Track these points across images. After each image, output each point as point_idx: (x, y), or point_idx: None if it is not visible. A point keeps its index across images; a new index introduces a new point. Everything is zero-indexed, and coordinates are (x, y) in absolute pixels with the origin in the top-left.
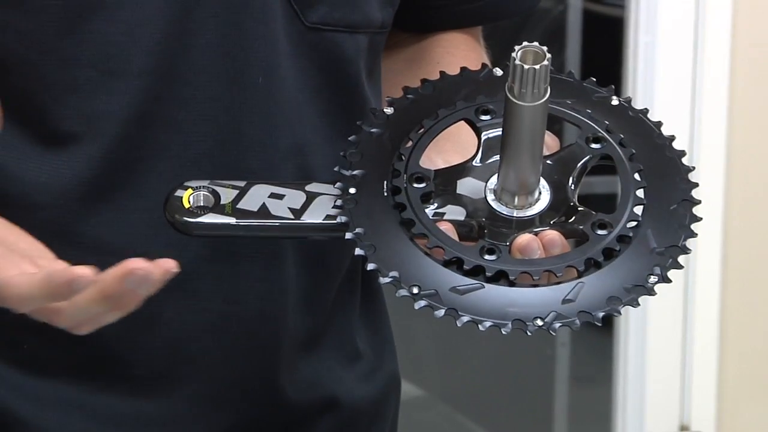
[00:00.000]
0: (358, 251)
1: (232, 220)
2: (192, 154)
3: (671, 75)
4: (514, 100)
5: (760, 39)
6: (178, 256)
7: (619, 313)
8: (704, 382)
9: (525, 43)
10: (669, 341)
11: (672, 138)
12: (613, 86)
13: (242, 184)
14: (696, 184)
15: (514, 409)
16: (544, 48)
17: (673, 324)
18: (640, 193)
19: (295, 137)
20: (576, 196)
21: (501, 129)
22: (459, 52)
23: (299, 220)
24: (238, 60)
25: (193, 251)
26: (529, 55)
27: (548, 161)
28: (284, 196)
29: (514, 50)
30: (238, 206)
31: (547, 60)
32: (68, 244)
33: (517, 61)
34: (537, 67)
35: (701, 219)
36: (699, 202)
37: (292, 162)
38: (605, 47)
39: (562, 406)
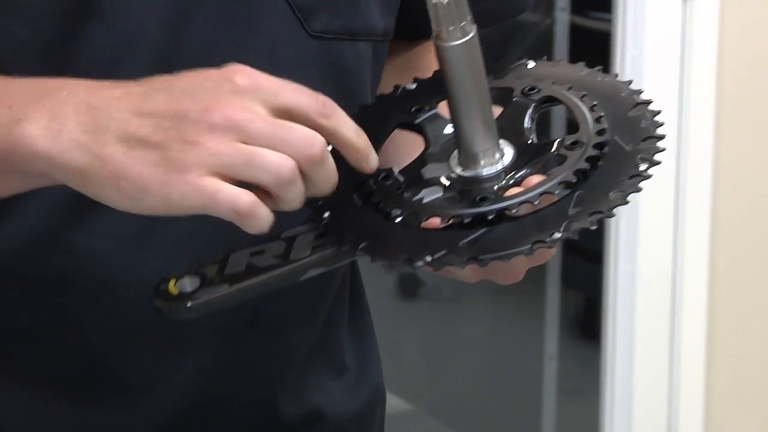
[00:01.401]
0: (359, 255)
1: (225, 288)
2: None
3: (658, 89)
4: (440, 43)
5: (747, 53)
6: (169, 266)
7: (626, 202)
8: (691, 394)
9: None
10: (656, 354)
11: (614, 74)
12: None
13: (219, 257)
14: (641, 90)
15: (502, 422)
16: None
17: (660, 336)
18: (595, 111)
19: None
20: (535, 136)
21: (437, 121)
22: None
23: (289, 262)
24: None
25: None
26: None
27: (498, 123)
28: (264, 250)
29: None
30: (225, 273)
31: None
32: (57, 251)
33: (431, 1)
34: (447, 0)
35: (660, 111)
36: (651, 101)
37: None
38: (592, 61)
39: (549, 419)
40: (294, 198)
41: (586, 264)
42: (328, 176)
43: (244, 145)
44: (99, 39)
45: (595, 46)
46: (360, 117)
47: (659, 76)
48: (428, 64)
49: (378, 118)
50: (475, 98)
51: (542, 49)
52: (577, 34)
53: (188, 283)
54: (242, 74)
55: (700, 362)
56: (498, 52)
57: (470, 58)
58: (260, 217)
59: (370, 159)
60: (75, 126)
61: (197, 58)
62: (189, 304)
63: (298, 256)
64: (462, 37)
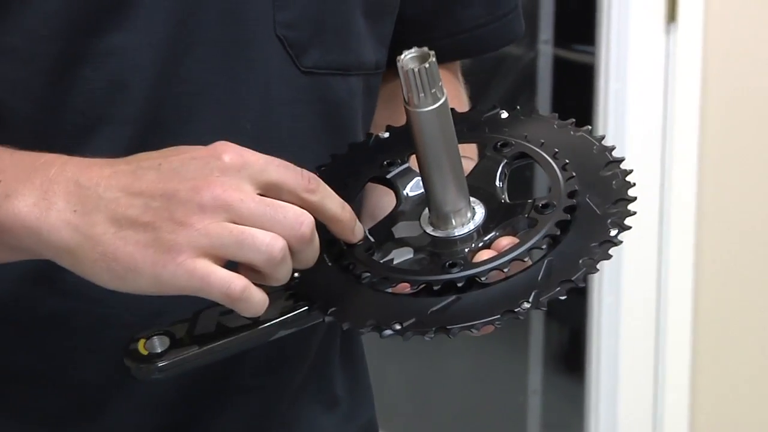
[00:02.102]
0: (327, 319)
1: (195, 349)
2: None
3: (641, 121)
4: (411, 108)
5: (731, 88)
6: (162, 305)
7: (596, 270)
8: (676, 429)
9: (414, 48)
10: (640, 387)
11: (587, 129)
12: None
13: (189, 316)
14: (613, 147)
15: None
16: (428, 51)
17: (644, 370)
18: (567, 170)
19: None
20: (506, 195)
21: (409, 175)
22: None
23: (259, 323)
24: (229, 107)
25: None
26: (413, 59)
27: (469, 180)
28: (234, 311)
29: (399, 56)
30: (195, 334)
31: (431, 60)
32: (50, 291)
33: (402, 65)
34: (420, 68)
35: (632, 171)
36: (622, 159)
37: None
38: (576, 93)
39: None
40: (284, 275)
41: (570, 296)
42: (315, 252)
43: (234, 226)
44: (92, 80)
45: (578, 79)
46: (332, 169)
47: (642, 109)
48: None
49: (350, 170)
50: (447, 161)
51: (526, 82)
52: (560, 67)
53: (158, 344)
54: (230, 152)
55: (684, 396)
56: (482, 84)
57: (441, 122)
58: (253, 300)
59: (355, 231)
60: (64, 205)
61: (191, 96)
62: (159, 365)
63: (268, 317)
64: (433, 103)
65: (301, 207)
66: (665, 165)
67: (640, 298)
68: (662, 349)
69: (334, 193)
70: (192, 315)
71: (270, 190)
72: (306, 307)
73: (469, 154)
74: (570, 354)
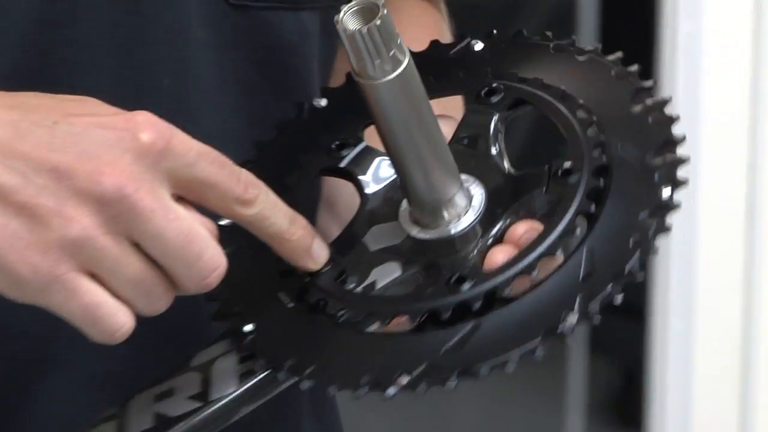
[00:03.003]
0: (306, 384)
1: None
2: None
3: (722, 75)
4: (364, 81)
5: None
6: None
7: (656, 250)
8: None
9: (355, 1)
10: None
11: (595, 48)
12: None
13: (114, 410)
14: (636, 69)
15: None
16: (377, 1)
17: (725, 423)
18: (582, 113)
19: None
20: (508, 162)
21: (369, 157)
22: (410, 20)
23: (212, 403)
24: (135, 57)
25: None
26: (356, 14)
27: (453, 149)
28: (173, 389)
29: (336, 16)
30: None
31: (382, 15)
32: None
33: (343, 27)
34: (369, 27)
35: (669, 100)
36: (653, 84)
37: None
38: (630, 37)
39: None
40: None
41: (622, 322)
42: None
43: (137, 258)
44: None
45: (634, 17)
46: (262, 164)
47: (723, 58)
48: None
49: (287, 164)
50: (422, 140)
51: (562, 21)
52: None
53: None
54: (150, 130)
55: None
56: (501, 24)
57: (407, 91)
58: (123, 335)
59: (313, 253)
60: None
61: (84, 42)
62: None
63: (223, 393)
64: (393, 69)
65: (231, 219)
66: (757, 137)
67: (721, 322)
68: (752, 395)
69: (280, 201)
70: (118, 408)
71: (192, 192)
72: (269, 371)
73: (449, 111)
74: (621, 401)
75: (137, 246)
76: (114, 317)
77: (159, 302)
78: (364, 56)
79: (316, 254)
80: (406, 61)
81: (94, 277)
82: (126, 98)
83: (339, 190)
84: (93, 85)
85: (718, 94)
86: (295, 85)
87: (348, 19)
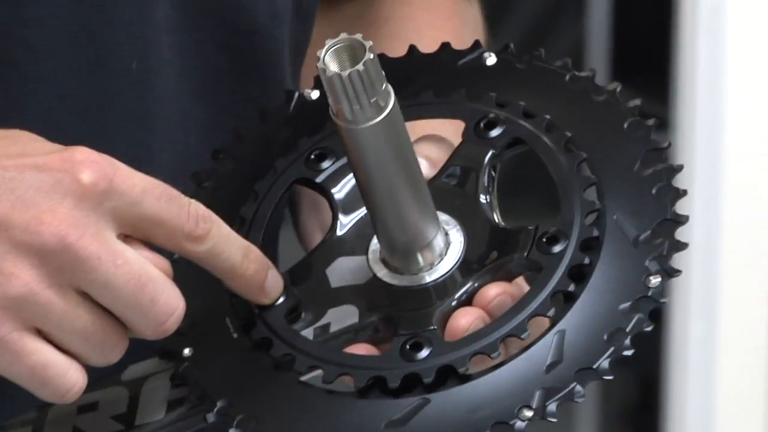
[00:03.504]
0: (231, 430)
1: None
2: None
3: (747, 55)
4: (342, 124)
5: None
6: None
7: (630, 349)
8: None
9: (340, 37)
10: None
11: (613, 90)
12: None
13: (32, 415)
14: (654, 122)
15: None
16: (361, 40)
17: None
18: (583, 170)
19: (183, 148)
20: (497, 213)
21: (348, 176)
22: (420, 2)
23: (134, 428)
24: (99, 38)
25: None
26: (338, 53)
27: (439, 183)
28: (98, 403)
29: (319, 51)
30: None
31: (367, 59)
32: None
33: (323, 66)
34: (351, 72)
35: (681, 167)
36: (668, 146)
37: (175, 183)
38: (645, 14)
39: None
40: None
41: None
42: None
43: (85, 310)
44: None
45: (647, 18)
46: (235, 156)
47: (750, 36)
48: (386, 14)
49: (259, 165)
50: (399, 187)
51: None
52: None
53: None
54: (91, 169)
55: None
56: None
57: (388, 137)
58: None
59: (265, 288)
60: None
61: (44, 23)
62: None
63: (148, 419)
64: (375, 115)
65: (182, 255)
66: None
67: (745, 326)
68: None
69: (234, 234)
70: (35, 414)
71: (139, 230)
72: (200, 408)
73: (446, 131)
74: (637, 412)
75: (86, 295)
76: (64, 377)
77: (112, 352)
78: (343, 101)
79: (270, 289)
80: (389, 108)
81: (41, 333)
82: (91, 84)
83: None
84: (56, 67)
85: (743, 76)
86: (265, 71)
87: (330, 58)
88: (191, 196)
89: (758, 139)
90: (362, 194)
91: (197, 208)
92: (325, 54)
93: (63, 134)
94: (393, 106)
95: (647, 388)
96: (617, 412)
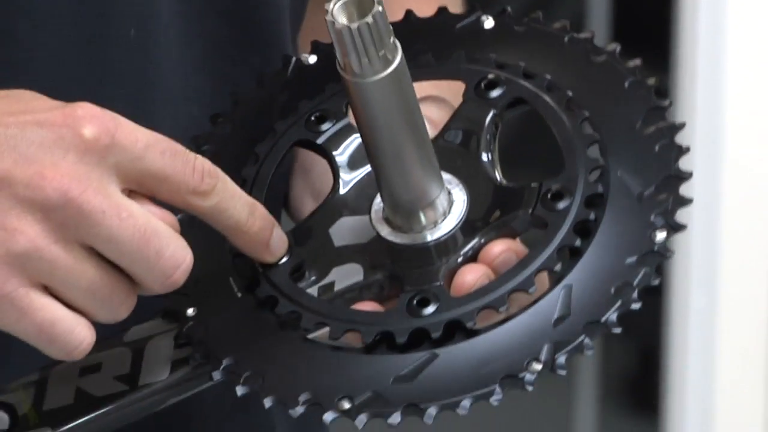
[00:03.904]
0: (240, 390)
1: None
2: None
3: (749, 25)
4: (349, 78)
5: None
6: None
7: (638, 302)
8: None
9: None
10: None
11: (613, 50)
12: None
13: (35, 377)
14: (654, 83)
15: None
16: None
17: (750, 409)
18: (586, 128)
19: (185, 117)
20: (499, 171)
21: (349, 137)
22: None
23: (140, 389)
24: (98, 7)
25: None
26: (347, 6)
27: (441, 143)
28: (101, 364)
29: (327, 4)
30: (45, 408)
31: (375, 11)
32: None
33: (332, 19)
34: (360, 25)
35: (683, 125)
36: (669, 105)
37: None
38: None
39: None
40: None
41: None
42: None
43: (91, 265)
44: None
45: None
46: (233, 125)
47: (750, 11)
48: None
49: (260, 128)
50: (404, 143)
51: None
52: None
53: None
54: (93, 124)
55: None
56: None
57: (396, 92)
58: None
59: (271, 246)
60: None
61: (31, 8)
62: None
63: (152, 379)
64: (383, 68)
65: (188, 210)
66: None
67: (746, 300)
68: None
69: (239, 190)
70: (38, 377)
71: (144, 185)
72: (206, 366)
73: (445, 92)
74: (636, 387)
75: (91, 250)
76: (72, 334)
77: (120, 308)
78: (351, 54)
79: (275, 247)
80: (396, 61)
81: (48, 289)
82: (89, 51)
83: (315, 157)
84: (54, 36)
85: (742, 80)
86: (266, 39)
87: (339, 11)
88: None
89: (759, 110)
90: (367, 151)
91: (203, 163)
92: (334, 6)
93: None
94: (400, 60)
95: (647, 359)
96: (617, 384)
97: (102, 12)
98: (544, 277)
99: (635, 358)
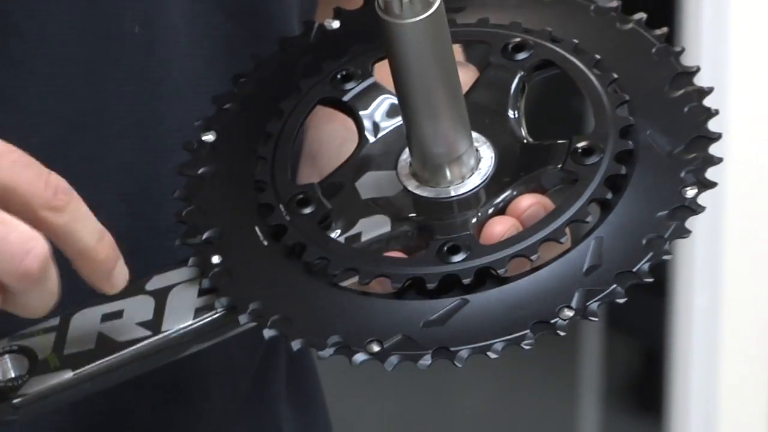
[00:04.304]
0: (268, 333)
1: (68, 374)
2: (37, 142)
3: (754, 32)
4: (389, 18)
5: None
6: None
7: (669, 254)
8: None
9: None
10: None
11: (639, 19)
12: None
13: (56, 322)
14: (680, 49)
15: None
16: None
17: (753, 409)
18: (614, 89)
19: (193, 114)
20: (525, 131)
21: (375, 96)
22: None
23: (162, 333)
24: (102, 3)
25: None
26: None
27: (468, 103)
28: (123, 311)
29: None
30: (66, 352)
31: None
32: None
33: None
34: None
35: (712, 89)
36: (697, 70)
37: (182, 153)
38: None
39: None
40: None
41: (641, 298)
42: (46, 298)
43: None
44: None
45: None
46: (257, 84)
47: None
48: None
49: (284, 86)
50: (441, 91)
51: None
52: None
53: (10, 366)
54: None
55: None
56: None
57: (435, 36)
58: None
59: (112, 278)
60: None
61: (35, 7)
62: (14, 401)
63: (176, 325)
64: (424, 10)
65: (37, 227)
66: None
67: (749, 299)
68: None
69: (91, 215)
70: (60, 320)
71: None
72: (232, 312)
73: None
74: (640, 388)
75: None
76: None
77: None
78: None
79: (116, 279)
80: (436, 4)
81: None
82: (94, 48)
83: (323, 143)
84: (58, 31)
85: (745, 78)
86: (275, 36)
87: None
88: (212, 120)
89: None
90: (400, 100)
91: (57, 179)
92: None
93: (65, 97)
94: (440, 4)
95: (650, 360)
96: (620, 385)
97: (105, 9)
98: (568, 233)
99: (639, 358)
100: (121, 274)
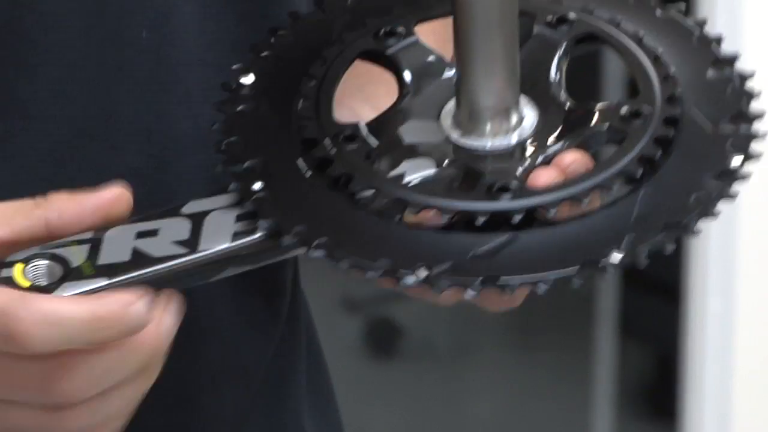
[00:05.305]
0: (315, 253)
1: (103, 282)
2: (46, 148)
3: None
4: None
5: None
6: None
7: (715, 214)
8: None
9: None
10: None
11: (700, 20)
12: None
13: (88, 235)
14: (720, 37)
15: None
16: None
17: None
18: (661, 67)
19: (204, 118)
20: (566, 93)
21: (417, 52)
22: None
23: (199, 252)
24: (110, 8)
25: None
26: None
27: None
28: (158, 230)
29: None
30: (100, 263)
31: None
32: None
33: None
34: None
35: (754, 72)
36: (737, 56)
37: (193, 158)
38: None
39: None
40: None
41: (655, 303)
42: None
43: None
44: None
45: None
46: (296, 34)
47: None
48: None
49: (324, 37)
50: (499, 39)
51: None
52: None
53: (44, 272)
54: None
55: None
56: None
57: None
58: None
59: (131, 325)
60: None
61: (43, 11)
62: None
63: (212, 246)
64: None
65: None
66: None
67: (764, 304)
68: None
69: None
70: (93, 234)
71: None
72: (272, 235)
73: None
74: (654, 393)
75: None
76: None
77: None
78: None
79: (136, 321)
80: None
81: None
82: (102, 53)
83: (378, 84)
84: (66, 37)
85: (761, 29)
86: None
87: None
88: (251, 63)
89: None
90: (456, 44)
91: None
92: None
93: (74, 103)
94: None
95: (664, 365)
96: (635, 390)
97: (113, 14)
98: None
99: (652, 364)
100: (139, 315)
